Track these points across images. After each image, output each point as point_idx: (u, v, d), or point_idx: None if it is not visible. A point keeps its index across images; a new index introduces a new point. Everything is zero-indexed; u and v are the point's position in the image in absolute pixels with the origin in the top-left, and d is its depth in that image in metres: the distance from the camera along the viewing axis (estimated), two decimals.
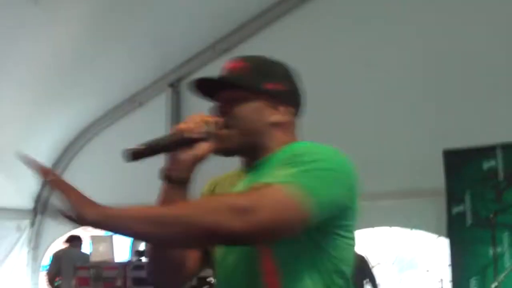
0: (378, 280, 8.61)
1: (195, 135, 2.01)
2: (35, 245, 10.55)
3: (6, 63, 8.50)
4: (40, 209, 10.59)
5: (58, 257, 9.19)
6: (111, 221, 1.70)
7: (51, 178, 1.75)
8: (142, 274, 6.36)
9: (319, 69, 8.58)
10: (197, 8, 8.82)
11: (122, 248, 9.16)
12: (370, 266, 8.58)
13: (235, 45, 9.53)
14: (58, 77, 9.13)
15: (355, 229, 2.03)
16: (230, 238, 1.73)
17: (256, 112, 2.07)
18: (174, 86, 9.93)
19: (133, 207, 1.73)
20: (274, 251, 1.95)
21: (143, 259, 6.85)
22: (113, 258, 6.82)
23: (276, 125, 2.09)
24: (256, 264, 1.98)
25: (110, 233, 7.56)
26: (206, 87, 2.13)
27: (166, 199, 2.04)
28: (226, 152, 2.10)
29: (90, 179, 10.21)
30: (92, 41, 8.77)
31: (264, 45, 9.18)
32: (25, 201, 10.38)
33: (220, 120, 2.06)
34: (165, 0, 8.54)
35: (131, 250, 9.62)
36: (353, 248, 2.04)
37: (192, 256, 2.16)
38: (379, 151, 8.14)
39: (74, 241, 9.58)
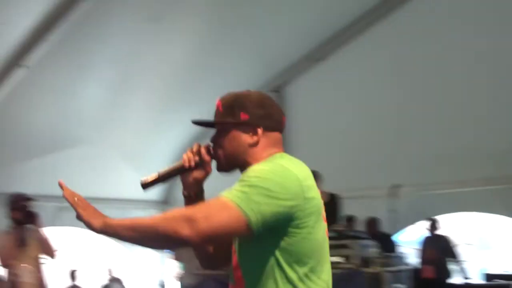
0: (460, 257, 9.03)
1: (191, 165, 2.46)
2: None
3: (132, 75, 9.36)
4: (168, 200, 11.45)
5: None
6: (109, 229, 2.20)
7: (66, 193, 2.29)
8: None
9: (409, 72, 9.25)
10: (294, 21, 9.33)
11: None
12: (453, 245, 9.00)
13: (329, 53, 10.11)
14: (176, 86, 9.89)
15: (311, 222, 2.22)
16: (183, 242, 2.10)
17: (233, 139, 2.41)
18: (277, 91, 10.52)
19: (127, 218, 2.19)
20: (237, 251, 2.33)
21: None
22: None
23: (254, 145, 2.40)
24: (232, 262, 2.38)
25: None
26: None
27: None
28: (221, 172, 2.46)
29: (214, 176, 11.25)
30: (205, 53, 9.43)
31: (355, 53, 9.84)
32: (155, 193, 11.18)
33: (209, 149, 2.46)
34: (267, 15, 9.08)
35: None
36: (312, 238, 2.24)
37: (223, 250, 2.49)
38: (466, 140, 8.63)
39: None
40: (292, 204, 2.18)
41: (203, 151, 2.47)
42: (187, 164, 2.46)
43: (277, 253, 2.22)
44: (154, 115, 10.38)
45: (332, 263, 6.59)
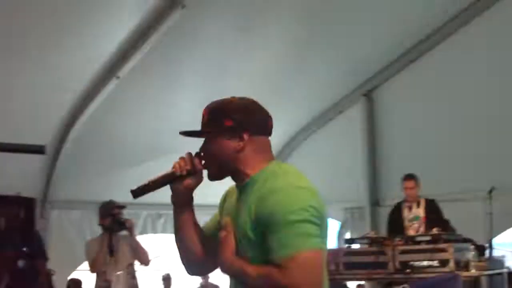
0: None
1: (182, 173, 2.49)
2: None
3: (222, 83, 9.09)
4: None
5: None
6: (231, 269, 2.39)
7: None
8: (352, 259, 6.90)
9: (503, 72, 9.01)
10: (383, 24, 9.20)
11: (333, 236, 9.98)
12: None
13: (419, 55, 9.93)
14: (267, 91, 9.43)
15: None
16: None
17: (220, 146, 2.46)
18: (367, 95, 10.49)
19: (245, 264, 2.33)
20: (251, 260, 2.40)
21: (352, 246, 7.45)
22: None
23: (240, 150, 2.46)
24: None
25: None
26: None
27: (175, 217, 2.61)
28: (212, 179, 2.54)
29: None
30: (294, 61, 9.44)
31: (446, 54, 9.62)
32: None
33: (198, 158, 2.51)
34: (356, 19, 8.95)
35: (338, 238, 10.42)
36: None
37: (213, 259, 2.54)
38: None
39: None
40: (317, 218, 2.29)
41: (196, 160, 2.52)
42: (178, 172, 2.50)
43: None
44: None
45: (429, 267, 6.41)
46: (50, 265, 7.31)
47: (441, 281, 6.23)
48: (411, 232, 7.35)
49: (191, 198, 2.59)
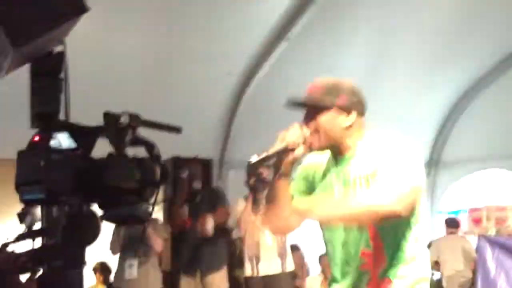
0: None
1: (294, 146, 2.69)
2: (432, 192, 11.27)
3: (391, 41, 9.20)
4: (434, 160, 11.30)
5: None
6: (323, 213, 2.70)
7: None
8: None
9: None
10: None
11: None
12: None
13: None
14: (442, 43, 9.49)
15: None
16: (392, 215, 2.53)
17: (331, 121, 2.71)
18: None
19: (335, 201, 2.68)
20: (378, 229, 2.68)
21: None
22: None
23: (348, 127, 2.72)
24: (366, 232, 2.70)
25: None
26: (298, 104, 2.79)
27: (278, 186, 2.86)
28: (315, 150, 2.77)
29: (476, 135, 10.75)
30: (466, 13, 9.00)
31: None
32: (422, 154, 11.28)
33: (309, 131, 2.70)
34: None
35: None
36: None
37: (295, 218, 2.85)
38: None
39: None
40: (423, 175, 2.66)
41: (305, 133, 2.71)
42: (291, 146, 2.70)
43: (409, 215, 2.65)
44: (416, 80, 10.14)
45: None
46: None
47: None
48: None
49: (293, 169, 2.81)
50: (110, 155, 1.97)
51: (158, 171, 1.97)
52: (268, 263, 6.66)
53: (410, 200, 2.58)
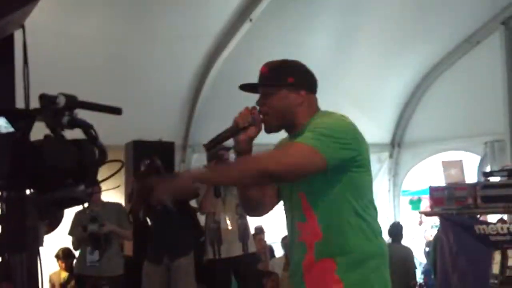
0: None
1: (245, 125, 2.78)
2: (395, 173, 11.48)
3: (356, 21, 9.19)
4: (396, 142, 11.41)
5: None
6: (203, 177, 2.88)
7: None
8: (490, 192, 6.69)
9: None
10: None
11: (471, 171, 9.63)
12: None
13: None
14: (402, 28, 9.52)
15: (367, 163, 2.78)
16: (272, 176, 2.61)
17: (282, 99, 2.79)
18: (506, 23, 9.70)
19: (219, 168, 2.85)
20: (307, 192, 2.75)
21: (491, 179, 7.12)
22: (464, 180, 7.15)
23: (300, 105, 2.79)
24: (300, 204, 2.77)
25: (460, 159, 8.08)
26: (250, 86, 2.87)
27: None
28: (270, 131, 2.85)
29: (435, 117, 10.87)
30: None
31: None
32: (384, 136, 11.25)
33: (260, 109, 2.80)
34: None
35: (478, 172, 10.05)
36: (369, 175, 2.81)
37: (268, 196, 2.95)
38: None
39: None
40: (355, 147, 2.69)
41: (255, 112, 2.80)
42: (241, 125, 2.78)
43: (343, 188, 2.70)
44: (379, 63, 10.22)
45: None
46: None
47: None
48: None
49: (251, 148, 2.85)
50: (46, 137, 1.93)
51: (96, 152, 1.93)
52: (230, 246, 6.66)
53: (296, 165, 2.63)
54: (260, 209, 3.05)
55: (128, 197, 7.26)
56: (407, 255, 8.80)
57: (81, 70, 7.57)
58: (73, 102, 1.90)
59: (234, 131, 2.82)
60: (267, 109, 2.82)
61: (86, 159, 1.91)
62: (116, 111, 2.07)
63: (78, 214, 6.91)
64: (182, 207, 6.74)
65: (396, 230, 9.10)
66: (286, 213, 2.95)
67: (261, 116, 2.83)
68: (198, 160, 9.23)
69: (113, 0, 7.46)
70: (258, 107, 2.84)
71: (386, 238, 9.05)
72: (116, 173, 2.11)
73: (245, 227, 6.80)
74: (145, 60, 8.23)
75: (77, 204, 2.00)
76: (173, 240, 6.62)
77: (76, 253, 7.41)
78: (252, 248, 6.85)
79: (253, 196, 2.94)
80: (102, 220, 6.83)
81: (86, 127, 1.92)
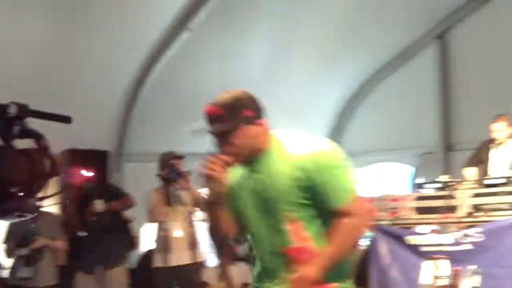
0: None
1: (221, 175, 2.82)
2: None
3: (292, 32, 9.33)
4: None
5: None
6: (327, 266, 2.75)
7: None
8: (423, 203, 6.80)
9: None
10: None
11: (404, 182, 9.85)
12: None
13: None
14: (337, 40, 9.74)
15: None
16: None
17: (246, 135, 2.81)
18: (441, 37, 10.07)
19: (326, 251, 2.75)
20: (301, 219, 2.82)
21: (423, 190, 7.28)
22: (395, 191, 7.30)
23: (262, 134, 2.85)
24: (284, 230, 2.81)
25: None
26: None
27: (214, 210, 2.97)
28: (237, 164, 2.88)
29: (369, 129, 11.10)
30: (365, 4, 9.28)
31: None
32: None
33: (225, 151, 2.82)
34: None
35: (411, 183, 10.27)
36: None
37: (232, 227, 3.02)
38: None
39: None
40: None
41: (225, 158, 2.82)
42: (219, 176, 2.83)
43: (323, 212, 2.83)
44: (315, 73, 10.38)
45: (502, 210, 6.16)
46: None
47: None
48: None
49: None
50: None
51: (47, 163, 1.92)
52: (179, 254, 6.64)
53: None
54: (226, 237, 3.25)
55: (62, 206, 7.16)
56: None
57: (16, 75, 7.42)
58: (25, 111, 1.88)
59: (220, 187, 2.87)
60: (234, 149, 2.83)
61: (36, 170, 1.89)
62: (66, 119, 2.06)
63: (12, 226, 6.78)
64: (116, 217, 6.69)
65: None
66: (259, 238, 3.01)
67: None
68: (133, 169, 9.14)
69: (50, 4, 7.34)
70: (218, 150, 2.86)
71: None
72: (59, 193, 2.08)
73: (194, 235, 6.80)
74: (81, 66, 8.12)
75: (25, 216, 1.97)
76: (106, 250, 6.57)
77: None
78: (201, 257, 6.86)
79: (221, 227, 3.05)
80: (34, 231, 6.71)
81: (38, 137, 1.90)
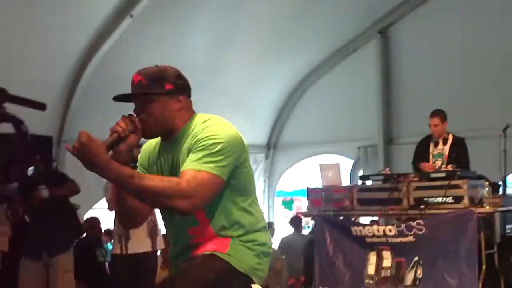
0: None
1: (126, 134, 2.74)
2: (270, 175, 11.73)
3: (235, 25, 9.38)
4: (272, 144, 11.67)
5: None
6: (121, 180, 2.63)
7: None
8: (367, 195, 6.98)
9: None
10: None
11: (346, 174, 9.99)
12: None
13: None
14: (279, 34, 9.80)
15: (248, 163, 2.86)
16: (181, 212, 2.68)
17: (162, 107, 2.83)
18: (383, 32, 10.24)
19: (137, 175, 2.64)
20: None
21: (367, 182, 7.42)
22: (340, 182, 7.41)
23: (179, 110, 2.86)
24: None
25: (337, 162, 8.36)
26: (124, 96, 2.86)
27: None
28: (150, 137, 2.94)
29: (311, 122, 11.19)
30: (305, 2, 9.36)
31: None
32: (260, 138, 11.51)
33: (138, 118, 2.78)
34: None
35: (351, 176, 10.45)
36: (251, 174, 2.93)
37: (147, 207, 2.96)
38: None
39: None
40: (240, 153, 2.80)
41: (136, 120, 2.78)
42: (122, 134, 2.74)
43: (231, 190, 2.83)
44: (257, 68, 10.41)
45: (443, 203, 6.35)
46: None
47: (455, 217, 6.22)
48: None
49: (131, 154, 2.82)
50: None
51: (26, 148, 1.88)
52: (138, 242, 6.57)
53: (203, 200, 2.71)
54: (139, 220, 3.08)
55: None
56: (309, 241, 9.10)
57: None
58: (3, 96, 1.83)
59: (116, 141, 2.75)
60: (146, 116, 2.82)
61: (16, 156, 1.85)
62: (41, 106, 2.03)
63: None
64: (61, 204, 6.59)
65: (297, 221, 9.68)
66: (169, 219, 3.01)
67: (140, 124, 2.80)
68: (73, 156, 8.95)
69: None
70: (135, 115, 2.82)
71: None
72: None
73: (154, 223, 6.71)
74: (21, 53, 7.95)
75: (6, 202, 1.92)
76: (52, 237, 6.47)
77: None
78: (161, 245, 6.80)
79: (135, 207, 2.92)
80: None
81: (17, 122, 1.86)
